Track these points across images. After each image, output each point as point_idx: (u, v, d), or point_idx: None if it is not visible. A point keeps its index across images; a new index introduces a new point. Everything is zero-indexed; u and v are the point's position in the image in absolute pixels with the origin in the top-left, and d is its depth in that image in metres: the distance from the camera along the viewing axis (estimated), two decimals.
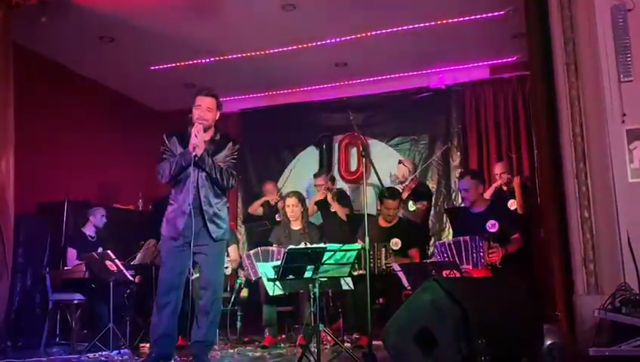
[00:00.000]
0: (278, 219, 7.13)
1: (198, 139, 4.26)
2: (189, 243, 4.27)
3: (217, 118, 4.50)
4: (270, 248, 5.88)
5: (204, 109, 4.37)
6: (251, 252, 5.92)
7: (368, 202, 5.06)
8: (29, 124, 6.11)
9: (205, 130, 4.38)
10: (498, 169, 6.80)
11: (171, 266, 4.42)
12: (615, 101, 4.01)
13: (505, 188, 6.50)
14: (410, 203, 6.55)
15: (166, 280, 4.42)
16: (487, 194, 6.18)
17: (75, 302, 5.89)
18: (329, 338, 5.00)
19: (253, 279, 5.90)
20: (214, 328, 4.57)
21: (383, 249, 5.41)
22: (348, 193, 7.94)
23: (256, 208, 7.86)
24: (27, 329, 5.96)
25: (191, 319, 4.53)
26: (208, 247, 4.41)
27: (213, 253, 4.46)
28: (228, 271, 5.70)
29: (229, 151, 4.50)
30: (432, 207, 7.70)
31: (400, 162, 7.11)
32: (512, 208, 5.95)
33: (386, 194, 5.75)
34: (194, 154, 4.24)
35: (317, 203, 7.21)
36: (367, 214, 4.57)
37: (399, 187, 6.77)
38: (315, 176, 7.57)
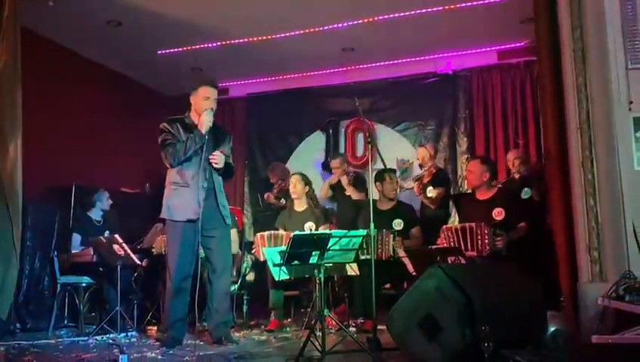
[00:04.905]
0: (282, 204, 7.12)
1: (211, 123, 4.51)
2: (200, 227, 4.37)
3: None
4: (279, 232, 5.90)
5: (213, 101, 4.64)
6: (265, 233, 5.93)
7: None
8: (37, 109, 6.13)
9: None
10: (511, 155, 6.72)
11: (187, 252, 4.50)
12: (622, 88, 3.99)
13: (517, 175, 6.43)
14: (430, 188, 6.55)
15: (182, 267, 4.52)
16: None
17: (83, 285, 5.94)
18: (334, 322, 5.04)
19: (262, 259, 5.92)
20: (231, 309, 4.83)
21: (392, 235, 5.44)
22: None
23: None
24: (35, 312, 6.01)
25: (201, 303, 4.64)
26: (220, 231, 4.56)
27: (226, 236, 4.67)
28: None
29: (230, 144, 4.76)
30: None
31: (422, 145, 7.08)
32: (525, 197, 5.89)
33: (385, 172, 5.81)
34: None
35: (331, 186, 7.21)
36: (369, 200, 4.62)
37: (419, 171, 6.81)
38: (332, 158, 7.55)
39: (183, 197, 4.51)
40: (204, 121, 4.48)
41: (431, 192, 6.51)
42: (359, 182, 7.26)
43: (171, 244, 4.62)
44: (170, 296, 4.56)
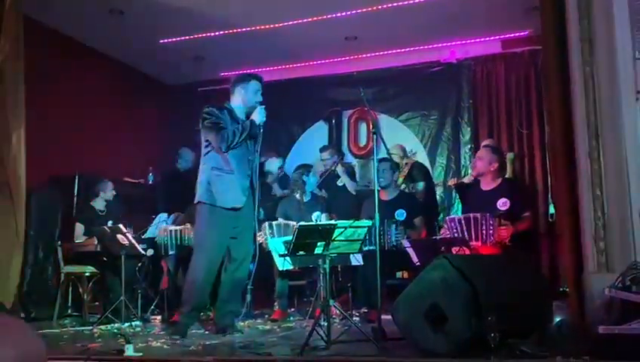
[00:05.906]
0: (281, 195, 7.06)
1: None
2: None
3: None
4: (291, 222, 5.88)
5: (260, 95, 4.76)
6: (273, 223, 5.92)
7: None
8: (40, 98, 6.11)
9: None
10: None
11: (223, 241, 4.54)
12: (629, 78, 3.96)
13: None
14: (411, 185, 6.58)
15: (216, 257, 4.55)
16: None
17: (87, 274, 5.95)
18: (338, 312, 5.04)
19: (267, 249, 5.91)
20: (240, 299, 4.91)
21: (394, 225, 5.44)
22: (356, 168, 7.92)
23: None
24: (39, 301, 6.03)
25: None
26: (246, 222, 4.60)
27: (251, 227, 4.71)
28: None
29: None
30: (442, 183, 7.71)
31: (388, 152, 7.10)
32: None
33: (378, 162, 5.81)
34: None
35: (323, 176, 7.20)
36: (372, 190, 4.61)
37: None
38: (321, 150, 7.53)
39: (227, 184, 4.50)
40: (261, 113, 4.62)
41: (414, 188, 6.56)
42: (350, 172, 7.28)
43: (207, 231, 4.54)
44: (199, 287, 4.51)
